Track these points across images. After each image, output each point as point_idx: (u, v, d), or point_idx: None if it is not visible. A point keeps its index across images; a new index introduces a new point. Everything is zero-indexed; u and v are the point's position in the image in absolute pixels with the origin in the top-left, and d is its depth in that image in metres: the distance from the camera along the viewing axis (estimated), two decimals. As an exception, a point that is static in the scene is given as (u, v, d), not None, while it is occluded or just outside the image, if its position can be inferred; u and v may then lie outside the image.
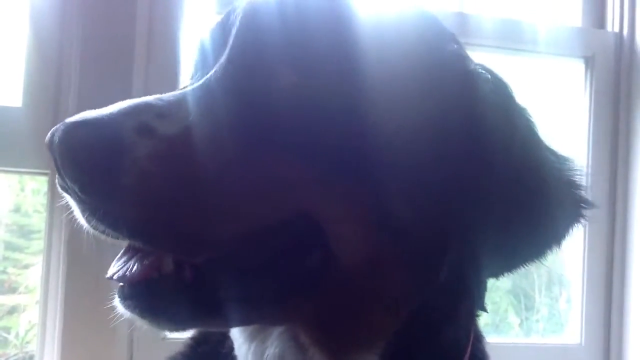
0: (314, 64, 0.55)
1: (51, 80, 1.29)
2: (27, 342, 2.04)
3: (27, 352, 2.07)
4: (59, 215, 1.25)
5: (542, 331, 1.87)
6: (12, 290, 2.12)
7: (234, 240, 0.52)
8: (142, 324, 0.55)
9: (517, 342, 1.72)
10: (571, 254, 1.80)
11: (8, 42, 1.39)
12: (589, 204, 0.68)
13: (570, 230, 0.67)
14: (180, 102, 0.55)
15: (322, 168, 0.52)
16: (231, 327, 0.62)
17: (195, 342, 0.79)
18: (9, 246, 2.15)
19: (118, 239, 0.53)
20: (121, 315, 0.58)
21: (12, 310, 2.12)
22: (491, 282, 0.77)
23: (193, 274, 0.52)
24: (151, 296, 0.53)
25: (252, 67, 0.56)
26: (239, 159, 0.52)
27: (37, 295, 2.06)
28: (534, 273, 1.97)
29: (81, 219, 0.54)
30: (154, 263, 0.53)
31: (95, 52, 1.29)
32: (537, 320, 1.92)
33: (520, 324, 1.91)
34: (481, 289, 0.62)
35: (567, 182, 0.66)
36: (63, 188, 0.54)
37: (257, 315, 0.55)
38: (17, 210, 2.05)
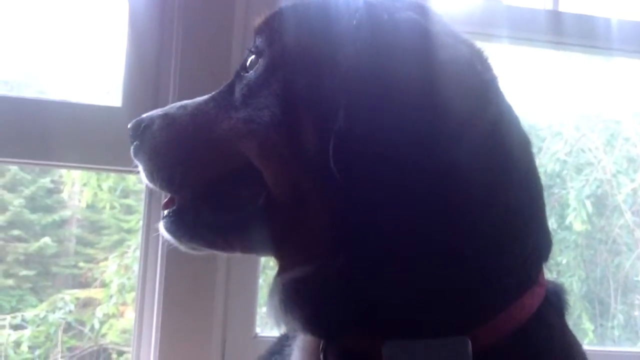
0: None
1: (150, 81, 1.30)
2: (102, 335, 2.09)
3: (101, 345, 2.12)
4: (156, 215, 1.27)
5: (617, 339, 1.82)
6: (87, 284, 2.17)
7: (204, 182, 0.71)
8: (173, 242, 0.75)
9: (596, 350, 1.67)
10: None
11: (109, 43, 1.40)
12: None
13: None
14: (223, 90, 0.75)
15: (260, 133, 0.68)
16: (218, 248, 0.74)
17: (284, 338, 0.87)
18: (81, 241, 2.21)
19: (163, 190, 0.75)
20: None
21: (87, 304, 2.17)
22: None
23: (189, 207, 0.73)
24: (168, 222, 0.74)
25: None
26: (205, 125, 0.72)
27: (112, 289, 2.11)
28: (609, 279, 1.92)
29: (144, 179, 0.74)
30: (168, 201, 0.75)
31: (193, 53, 1.29)
32: (613, 328, 1.86)
33: (595, 331, 1.86)
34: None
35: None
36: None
37: (229, 240, 0.72)
38: (91, 206, 2.10)
